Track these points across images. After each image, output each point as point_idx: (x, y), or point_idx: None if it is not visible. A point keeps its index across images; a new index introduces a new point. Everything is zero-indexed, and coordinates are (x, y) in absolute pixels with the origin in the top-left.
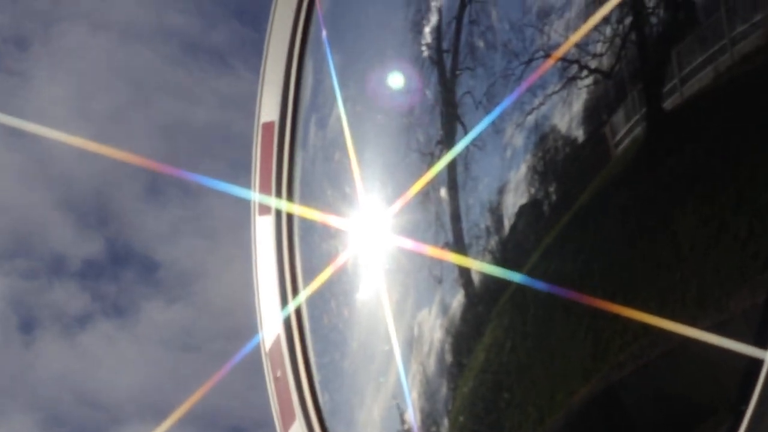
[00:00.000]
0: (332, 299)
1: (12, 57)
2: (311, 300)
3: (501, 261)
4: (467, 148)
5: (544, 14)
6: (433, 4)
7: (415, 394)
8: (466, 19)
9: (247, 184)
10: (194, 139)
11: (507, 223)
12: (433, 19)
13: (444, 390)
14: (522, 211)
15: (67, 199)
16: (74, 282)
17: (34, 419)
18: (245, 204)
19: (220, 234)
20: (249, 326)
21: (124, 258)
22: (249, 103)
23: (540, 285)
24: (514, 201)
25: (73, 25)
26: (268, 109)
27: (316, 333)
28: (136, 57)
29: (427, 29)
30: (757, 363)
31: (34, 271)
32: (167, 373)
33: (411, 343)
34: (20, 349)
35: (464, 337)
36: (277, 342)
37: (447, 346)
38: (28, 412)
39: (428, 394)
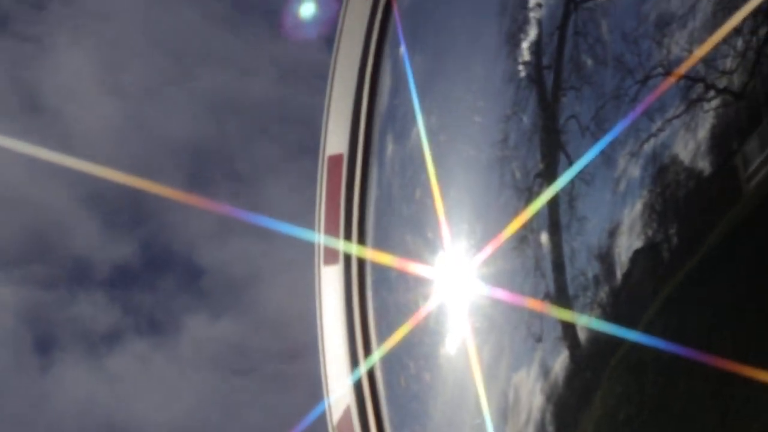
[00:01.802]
0: (411, 362)
1: (26, 20)
2: (386, 362)
3: (612, 316)
4: (572, 182)
5: (664, 24)
6: (532, 14)
7: None
8: (570, 30)
9: (305, 174)
10: (247, 118)
11: (619, 271)
12: (532, 30)
13: None
14: (637, 256)
15: (93, 194)
16: (101, 293)
17: None
18: (308, 194)
19: (276, 233)
20: (310, 344)
21: (161, 263)
22: (309, 75)
23: (659, 344)
24: (627, 245)
25: None
26: (336, 140)
27: (392, 402)
28: (175, 18)
29: (524, 42)
30: None
31: (53, 279)
32: (212, 400)
33: (505, 413)
34: (36, 373)
35: (569, 407)
36: (346, 413)
37: (548, 416)
38: None
39: None
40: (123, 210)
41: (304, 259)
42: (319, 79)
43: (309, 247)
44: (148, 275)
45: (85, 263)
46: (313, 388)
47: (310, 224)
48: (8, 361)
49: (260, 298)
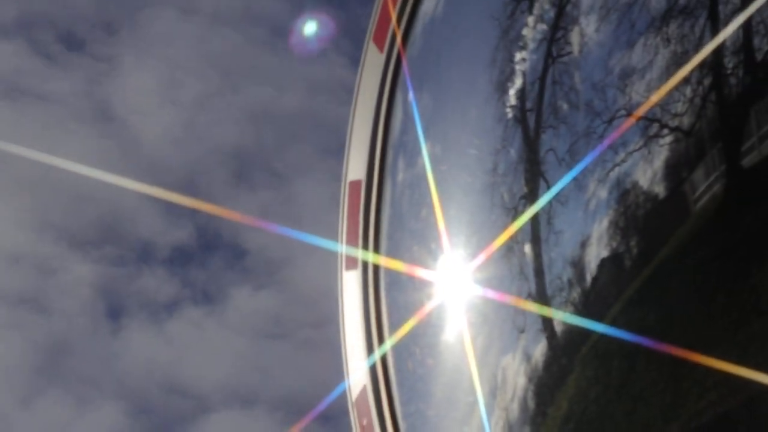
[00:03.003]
0: (417, 349)
1: (101, 42)
2: (396, 350)
3: (583, 312)
4: (550, 203)
5: (626, 75)
6: (517, 67)
7: None
8: (549, 80)
9: (330, 171)
10: (282, 126)
11: (589, 276)
12: (518, 80)
13: None
14: (603, 264)
15: (157, 186)
16: (163, 269)
17: (122, 408)
18: (334, 189)
19: (308, 219)
20: (334, 315)
21: (213, 245)
22: (337, 89)
23: (622, 335)
24: (596, 254)
25: (162, 10)
26: (355, 168)
27: (401, 383)
28: (224, 42)
29: (511, 90)
30: None
31: (123, 258)
32: (254, 361)
33: (494, 391)
34: (108, 336)
35: (548, 386)
36: (363, 392)
37: (530, 394)
38: (116, 400)
39: None
40: (180, 201)
41: (330, 245)
42: (343, 92)
43: (334, 234)
44: (201, 255)
45: (150, 245)
46: (337, 352)
47: (334, 217)
48: (85, 327)
49: (294, 276)
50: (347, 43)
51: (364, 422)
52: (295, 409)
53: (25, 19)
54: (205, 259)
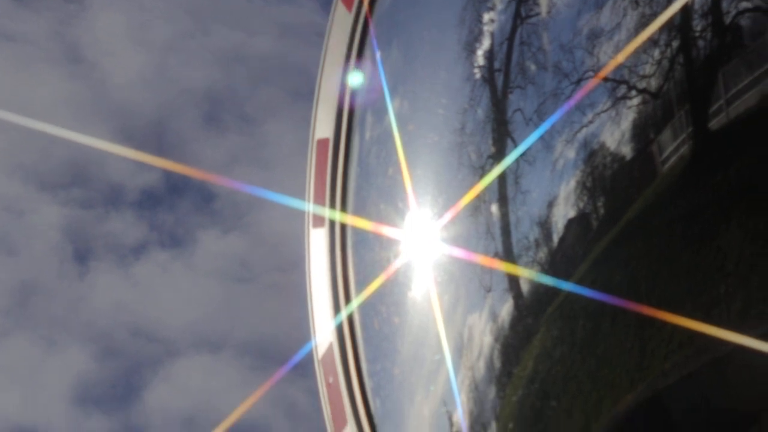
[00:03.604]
0: (384, 308)
1: None
2: (363, 309)
3: (550, 271)
4: (517, 162)
5: (594, 36)
6: (486, 27)
7: (464, 399)
8: (517, 41)
9: (301, 114)
10: (252, 68)
11: (555, 236)
12: (486, 40)
13: (493, 397)
14: (570, 224)
15: (125, 129)
16: (131, 212)
17: (89, 351)
18: (304, 134)
19: (277, 163)
20: (301, 259)
21: (181, 188)
22: (308, 32)
23: (588, 294)
24: (563, 214)
25: None
26: (323, 126)
27: (367, 341)
28: None
29: (479, 50)
30: None
31: (90, 200)
32: (222, 304)
33: (461, 350)
34: (75, 279)
35: (513, 346)
36: (329, 350)
37: (496, 353)
38: (83, 342)
39: (478, 400)
40: (151, 142)
41: (300, 186)
42: (314, 36)
43: (302, 181)
44: (169, 198)
45: (118, 188)
46: (303, 297)
47: (303, 161)
48: (53, 269)
49: (261, 219)
50: None
51: (330, 380)
52: (263, 354)
53: None
54: (173, 203)
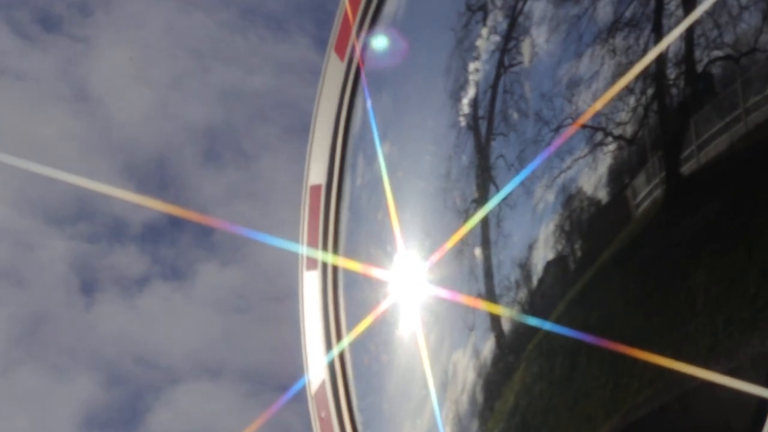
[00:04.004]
0: (373, 346)
1: (76, 23)
2: (354, 346)
3: (529, 311)
4: (499, 206)
5: (573, 85)
6: (471, 76)
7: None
8: (501, 89)
9: (296, 150)
10: (250, 105)
11: (535, 277)
12: (471, 89)
13: (476, 429)
14: (549, 265)
15: (129, 165)
16: (134, 245)
17: (96, 378)
18: (298, 169)
19: (273, 198)
20: (295, 290)
21: (181, 222)
22: (303, 70)
23: (565, 333)
24: (542, 256)
25: None
26: (316, 173)
27: (358, 377)
28: (194, 24)
29: (464, 98)
30: (765, 405)
31: (96, 235)
32: (220, 333)
33: (445, 385)
34: (82, 310)
35: (495, 382)
36: (322, 386)
37: (478, 389)
38: (90, 371)
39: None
40: (152, 178)
41: (294, 223)
42: (308, 73)
43: (297, 213)
44: (170, 232)
45: (122, 222)
46: (296, 325)
47: (297, 194)
48: (60, 300)
49: (257, 252)
50: (312, 25)
51: (323, 414)
52: (259, 381)
53: (3, 0)
54: (174, 237)
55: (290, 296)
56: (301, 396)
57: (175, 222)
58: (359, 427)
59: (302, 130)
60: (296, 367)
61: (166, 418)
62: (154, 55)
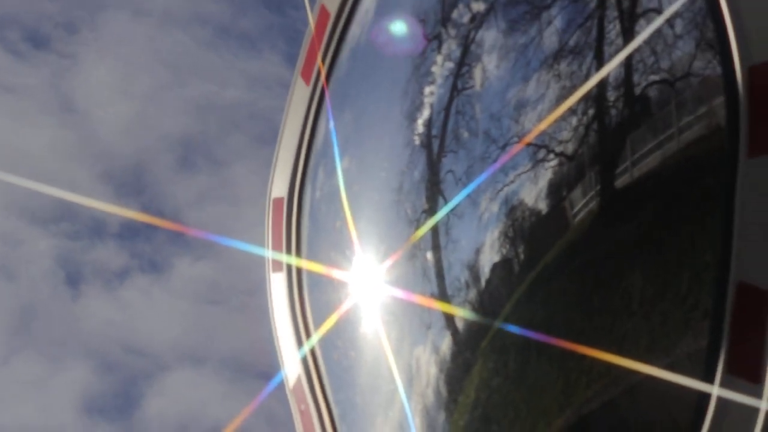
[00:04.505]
0: (340, 342)
1: (64, 41)
2: (323, 343)
3: (480, 311)
4: (448, 216)
5: (521, 106)
6: (426, 99)
7: (418, 423)
8: (453, 110)
9: (265, 158)
10: (223, 116)
11: (483, 279)
12: (425, 110)
13: (443, 421)
14: (495, 268)
15: (108, 171)
16: (114, 242)
17: (89, 366)
18: (267, 175)
19: (243, 200)
20: (265, 283)
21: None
22: (273, 84)
23: (515, 330)
24: (488, 260)
25: (117, 12)
26: (279, 187)
27: (331, 372)
28: (173, 41)
29: (419, 119)
30: (705, 398)
31: (78, 233)
32: (198, 323)
33: (411, 380)
34: (68, 301)
35: (456, 377)
36: (298, 381)
37: (441, 383)
38: (83, 359)
39: (430, 424)
40: (130, 183)
41: (262, 219)
42: (279, 87)
43: (263, 216)
44: (146, 229)
45: (102, 221)
46: (268, 317)
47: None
48: (47, 293)
49: (228, 250)
50: (282, 42)
51: (302, 407)
52: (241, 369)
53: None
54: (150, 233)
55: (261, 290)
56: (281, 386)
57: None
58: (336, 419)
59: (271, 140)
60: (273, 356)
61: (160, 402)
62: (135, 70)
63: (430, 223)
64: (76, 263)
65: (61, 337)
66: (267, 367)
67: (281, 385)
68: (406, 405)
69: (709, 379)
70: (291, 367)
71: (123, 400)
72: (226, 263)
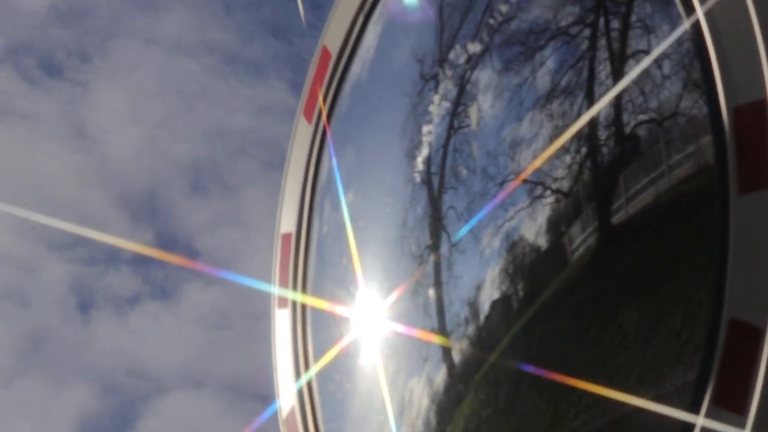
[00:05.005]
0: (337, 375)
1: (76, 69)
2: (320, 376)
3: (477, 345)
4: (450, 251)
5: (515, 144)
6: (424, 138)
7: None
8: (451, 148)
9: (273, 182)
10: (232, 142)
11: (482, 315)
12: (424, 148)
13: None
14: (495, 304)
15: (123, 196)
16: (127, 268)
17: (92, 389)
18: (276, 199)
19: (254, 225)
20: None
21: (170, 247)
22: (280, 111)
23: (509, 364)
24: (488, 296)
25: (128, 41)
26: (287, 222)
27: (324, 404)
28: (182, 69)
29: (419, 156)
30: (690, 428)
31: (92, 258)
32: (203, 347)
33: (402, 410)
34: (79, 327)
35: (447, 408)
36: (291, 412)
37: (432, 414)
38: (87, 382)
39: None
40: (144, 208)
41: (270, 248)
42: (285, 114)
43: (272, 238)
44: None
45: (116, 247)
46: (270, 340)
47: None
48: (59, 318)
49: (239, 273)
50: (288, 71)
51: None
52: (239, 391)
53: (11, 48)
54: (163, 260)
55: (267, 315)
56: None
57: (163, 246)
58: None
59: (279, 165)
60: (272, 380)
61: (155, 424)
62: (146, 97)
63: (433, 258)
64: (89, 289)
65: (67, 360)
66: (266, 389)
67: (274, 415)
68: None
69: (695, 409)
70: (286, 398)
71: (119, 421)
72: (235, 289)
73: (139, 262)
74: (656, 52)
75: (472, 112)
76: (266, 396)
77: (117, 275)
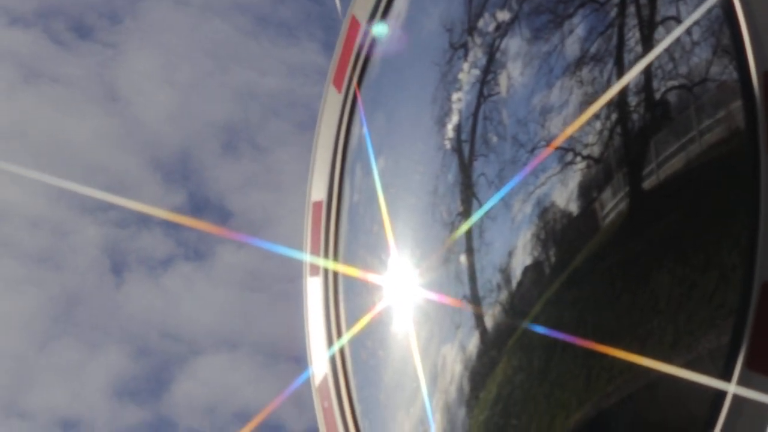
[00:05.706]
0: (370, 343)
1: (107, 30)
2: (353, 343)
3: (509, 311)
4: (481, 219)
5: (546, 111)
6: (454, 105)
7: (438, 418)
8: (481, 116)
9: (305, 144)
10: (264, 103)
11: (514, 281)
12: (455, 116)
13: (463, 417)
14: (527, 270)
15: (155, 159)
16: (160, 230)
17: (126, 351)
18: (308, 160)
19: (286, 187)
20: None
21: (202, 208)
22: (312, 71)
23: (542, 330)
24: (520, 262)
25: (159, 1)
26: (318, 190)
27: (356, 371)
28: (213, 30)
29: (449, 124)
30: (722, 394)
31: (125, 221)
32: (237, 310)
33: (435, 377)
34: (112, 289)
35: (480, 373)
36: (324, 379)
37: (465, 380)
38: (120, 344)
39: (450, 420)
40: (176, 170)
41: (302, 208)
42: (317, 75)
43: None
44: (193, 217)
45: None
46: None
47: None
48: (93, 281)
49: (271, 235)
50: (319, 31)
51: (326, 405)
52: (273, 354)
53: (42, 11)
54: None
55: (299, 277)
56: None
57: (196, 208)
58: (359, 415)
59: (311, 126)
60: (305, 344)
61: (189, 386)
62: (177, 58)
63: (465, 226)
64: (122, 252)
65: (101, 323)
66: (300, 352)
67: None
68: (427, 401)
69: (728, 374)
70: (319, 366)
71: (154, 384)
72: (268, 251)
73: (172, 224)
74: (686, 19)
75: (502, 80)
76: (300, 358)
77: (150, 237)
